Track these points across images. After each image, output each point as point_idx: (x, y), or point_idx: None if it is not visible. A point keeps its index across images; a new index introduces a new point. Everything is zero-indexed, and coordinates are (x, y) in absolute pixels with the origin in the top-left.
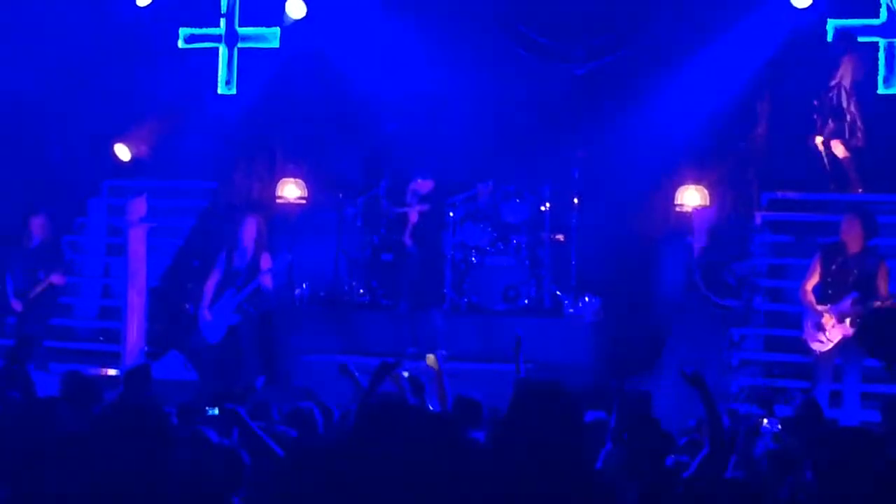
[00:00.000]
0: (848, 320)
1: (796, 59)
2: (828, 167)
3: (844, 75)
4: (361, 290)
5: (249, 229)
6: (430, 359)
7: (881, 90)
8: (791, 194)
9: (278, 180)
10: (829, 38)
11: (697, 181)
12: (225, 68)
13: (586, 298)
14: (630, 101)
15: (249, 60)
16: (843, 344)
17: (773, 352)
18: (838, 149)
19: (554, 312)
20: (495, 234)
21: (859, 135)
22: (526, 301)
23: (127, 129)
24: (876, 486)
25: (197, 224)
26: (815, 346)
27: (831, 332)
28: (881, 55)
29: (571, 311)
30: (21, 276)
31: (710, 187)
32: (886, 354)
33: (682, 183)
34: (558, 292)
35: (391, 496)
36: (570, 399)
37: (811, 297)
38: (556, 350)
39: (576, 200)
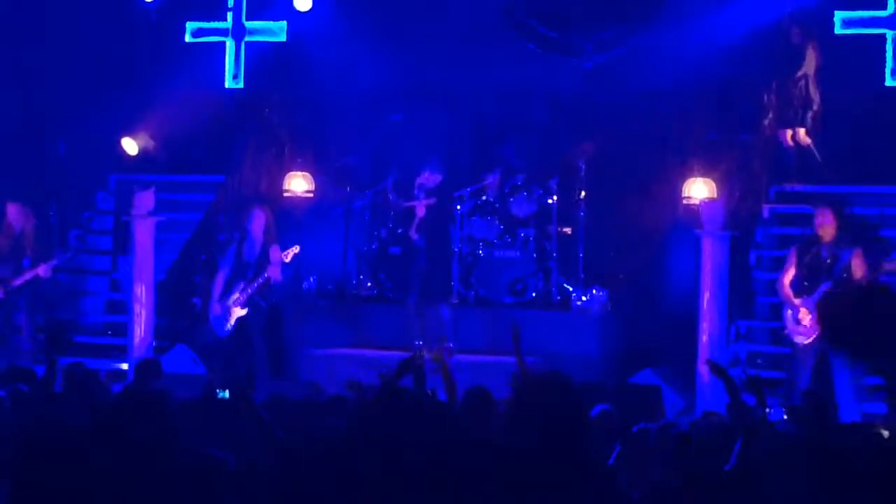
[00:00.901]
0: None
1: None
2: (794, 157)
3: (809, 65)
4: (369, 284)
5: (258, 221)
6: (436, 355)
7: (889, 82)
8: (799, 186)
9: (286, 174)
10: (837, 29)
11: (705, 173)
12: (232, 62)
13: (594, 291)
14: (637, 94)
15: (257, 54)
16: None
17: (777, 345)
18: (803, 138)
19: (562, 305)
20: (503, 228)
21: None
22: (533, 294)
23: (134, 123)
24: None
25: (204, 218)
26: (798, 340)
27: (810, 324)
28: (888, 47)
29: (579, 303)
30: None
31: (717, 180)
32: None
33: (689, 175)
34: (566, 285)
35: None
36: (573, 389)
37: (789, 291)
38: (564, 343)
39: (583, 194)
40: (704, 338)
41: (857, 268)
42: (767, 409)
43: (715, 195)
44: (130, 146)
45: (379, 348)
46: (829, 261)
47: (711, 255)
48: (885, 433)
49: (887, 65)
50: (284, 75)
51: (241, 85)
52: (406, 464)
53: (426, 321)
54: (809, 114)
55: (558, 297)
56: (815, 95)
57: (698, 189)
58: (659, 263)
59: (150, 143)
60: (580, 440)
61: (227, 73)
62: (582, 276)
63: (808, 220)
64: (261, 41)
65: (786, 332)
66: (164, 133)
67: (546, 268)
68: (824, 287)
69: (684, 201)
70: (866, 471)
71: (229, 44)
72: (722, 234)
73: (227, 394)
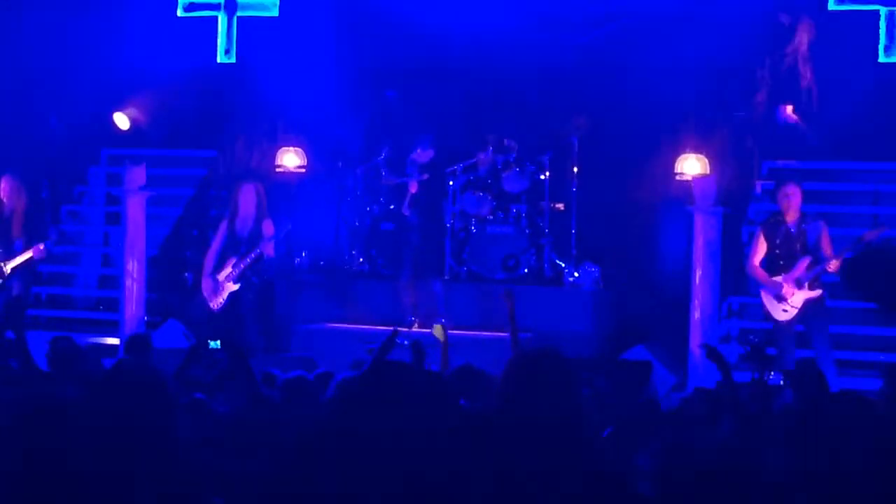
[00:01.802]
0: (807, 284)
1: (797, 27)
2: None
3: (801, 41)
4: (361, 259)
5: (248, 197)
6: (437, 329)
7: (882, 59)
8: (791, 163)
9: (278, 149)
10: (831, 5)
11: (698, 150)
12: (224, 37)
13: (586, 267)
14: (630, 70)
15: (249, 29)
16: (805, 309)
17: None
18: (792, 114)
19: (554, 281)
20: (495, 204)
21: (813, 99)
22: (526, 270)
23: (126, 98)
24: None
25: (196, 193)
26: (781, 317)
27: (794, 300)
28: (882, 24)
29: (571, 279)
30: None
31: (710, 156)
32: (877, 295)
33: (682, 151)
34: (558, 261)
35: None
36: (566, 365)
37: (762, 271)
38: (557, 319)
39: (576, 169)
40: (696, 314)
41: (827, 242)
42: (770, 374)
43: (707, 171)
44: (122, 121)
45: (371, 324)
46: (799, 236)
47: (704, 232)
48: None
49: (880, 41)
50: (276, 50)
51: (233, 60)
52: (396, 435)
53: (418, 297)
54: (800, 89)
55: (550, 273)
56: (806, 72)
57: (691, 165)
58: (651, 240)
59: (142, 118)
60: (572, 414)
61: (219, 48)
62: (574, 252)
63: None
64: (253, 16)
65: (765, 310)
66: (156, 108)
67: (538, 244)
68: (803, 262)
69: (677, 177)
70: (862, 437)
71: (221, 18)
72: (714, 210)
73: (217, 343)
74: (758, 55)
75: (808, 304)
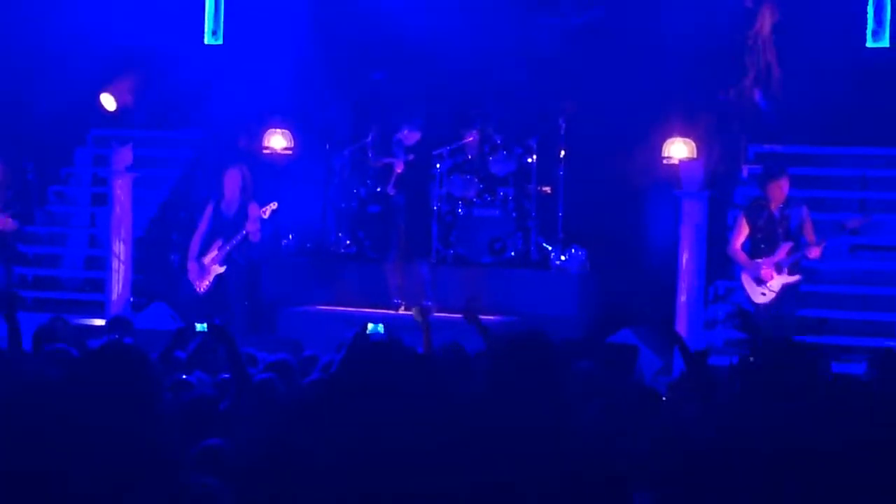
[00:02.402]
0: (786, 269)
1: (784, 11)
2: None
3: (764, 25)
4: (348, 242)
5: (234, 180)
6: (416, 312)
7: (869, 43)
8: (778, 147)
9: (265, 131)
10: None
11: (685, 134)
12: (212, 18)
13: (573, 250)
14: (617, 53)
15: (236, 10)
16: (783, 293)
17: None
18: (755, 98)
19: (541, 265)
20: (482, 186)
21: (775, 84)
22: (512, 253)
23: (113, 78)
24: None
25: (183, 174)
26: (758, 299)
27: (773, 283)
28: (869, 9)
29: (558, 263)
30: None
31: (697, 140)
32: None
33: (669, 135)
34: (545, 244)
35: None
36: (550, 347)
37: (743, 254)
38: (543, 302)
39: (563, 153)
40: (683, 298)
41: (809, 228)
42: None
43: (694, 155)
44: (109, 102)
45: (358, 307)
46: (782, 221)
47: (690, 216)
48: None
49: (868, 26)
50: (264, 32)
51: (220, 41)
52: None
53: (405, 279)
54: (761, 73)
55: (537, 257)
56: (769, 57)
57: (677, 149)
58: (638, 223)
59: (129, 99)
60: (557, 395)
61: (206, 29)
62: (561, 235)
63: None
64: None
65: (746, 293)
66: (143, 89)
67: (525, 227)
68: (784, 247)
69: (664, 161)
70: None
71: None
72: (700, 194)
73: (204, 326)
74: (745, 39)
75: (785, 288)
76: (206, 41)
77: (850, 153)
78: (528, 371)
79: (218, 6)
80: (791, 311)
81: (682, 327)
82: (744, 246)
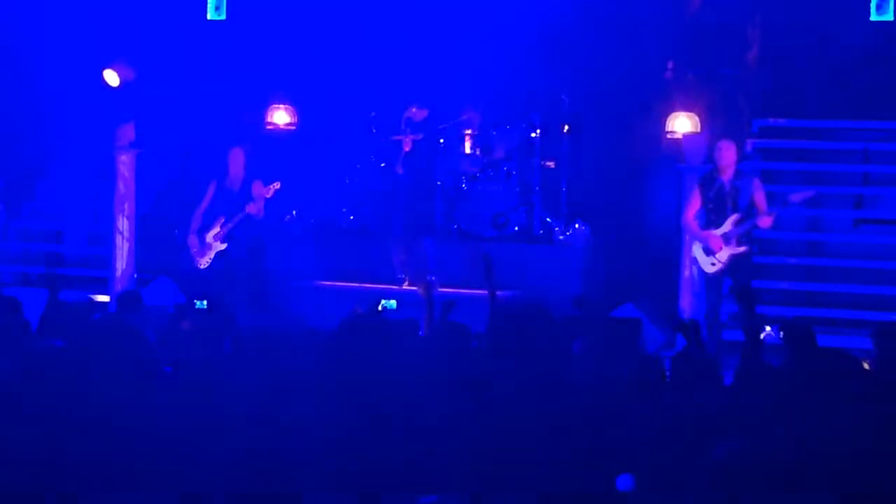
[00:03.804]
0: (734, 240)
1: None
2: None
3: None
4: (351, 217)
5: (237, 160)
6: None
7: (874, 17)
8: (782, 121)
9: (269, 106)
10: None
11: (688, 108)
12: None
13: (577, 225)
14: (620, 27)
15: None
16: (732, 263)
17: (764, 279)
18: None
19: (544, 239)
20: (485, 161)
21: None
22: (516, 228)
23: (116, 55)
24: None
25: (187, 151)
26: (708, 269)
27: (721, 254)
28: None
29: (562, 238)
30: None
31: (700, 114)
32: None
33: (673, 109)
34: (548, 219)
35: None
36: (549, 318)
37: (695, 225)
38: (546, 277)
39: (566, 128)
40: (686, 272)
41: (761, 199)
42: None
43: (698, 129)
44: (112, 78)
45: (362, 282)
46: (732, 193)
47: (693, 190)
48: (866, 366)
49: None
50: (266, 6)
51: (223, 17)
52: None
53: (409, 254)
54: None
55: (541, 231)
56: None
57: (681, 123)
58: (641, 198)
59: (131, 75)
60: (558, 368)
61: (209, 5)
62: (564, 210)
63: (790, 154)
64: None
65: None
66: (146, 65)
67: (529, 202)
68: (731, 218)
69: (667, 135)
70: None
71: None
72: (704, 168)
73: (204, 304)
74: (748, 12)
75: (734, 259)
76: (209, 17)
77: (853, 126)
78: (528, 341)
79: None
80: (746, 282)
81: (685, 301)
82: (697, 216)
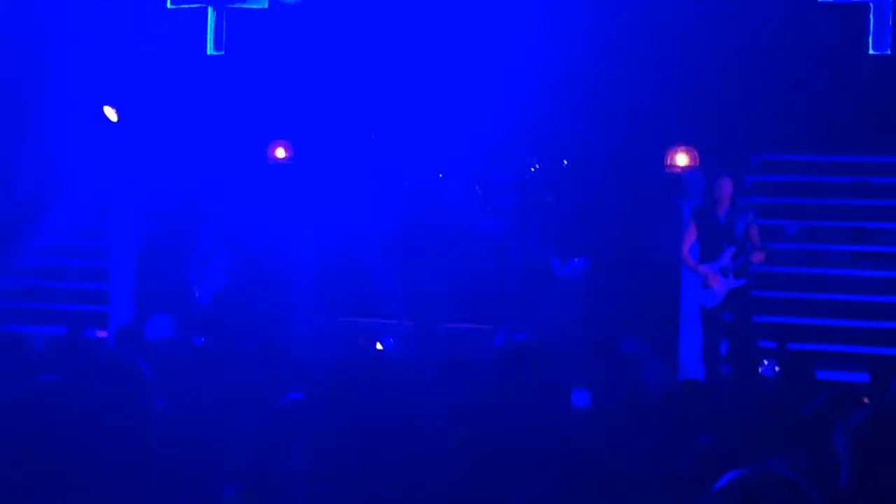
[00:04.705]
0: (731, 274)
1: (784, 17)
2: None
3: None
4: (351, 252)
5: (244, 191)
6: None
7: (871, 51)
8: (781, 155)
9: (270, 141)
10: None
11: (687, 142)
12: (213, 30)
13: (575, 259)
14: (620, 63)
15: (239, 21)
16: (730, 297)
17: (763, 314)
18: None
19: (544, 273)
20: (485, 196)
21: None
22: (515, 262)
23: (115, 90)
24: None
25: (187, 186)
26: (707, 303)
27: (718, 287)
28: (871, 16)
29: (561, 272)
30: None
31: (699, 148)
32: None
33: (671, 143)
34: (548, 253)
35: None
36: (550, 360)
37: (690, 259)
38: (545, 312)
39: (565, 161)
40: (685, 306)
41: (755, 233)
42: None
43: (696, 163)
44: (111, 114)
45: (363, 316)
46: (727, 226)
47: None
48: (866, 400)
49: (870, 34)
50: (266, 42)
51: (222, 52)
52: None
53: (408, 289)
54: None
55: (540, 266)
56: None
57: (680, 157)
58: (641, 232)
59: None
60: (554, 407)
61: (208, 41)
62: (564, 244)
63: (789, 189)
64: (242, 8)
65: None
66: (145, 100)
67: (528, 236)
68: (728, 251)
69: (666, 169)
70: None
71: (210, 11)
72: (699, 201)
73: (202, 339)
74: (747, 45)
75: (731, 293)
76: (208, 52)
77: (852, 161)
78: (526, 383)
79: (220, 17)
80: (746, 316)
81: (686, 335)
82: (693, 250)
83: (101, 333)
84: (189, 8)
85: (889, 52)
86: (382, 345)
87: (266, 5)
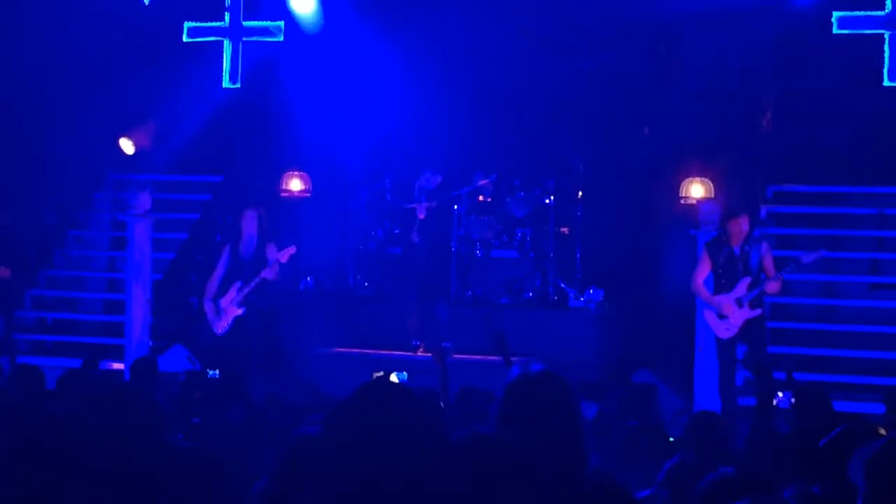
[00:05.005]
0: (747, 304)
1: (802, 50)
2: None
3: None
4: (366, 283)
5: (250, 222)
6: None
7: (887, 82)
8: (796, 187)
9: (283, 174)
10: (835, 29)
11: (702, 173)
12: (229, 62)
13: (591, 291)
14: (634, 94)
15: (254, 54)
16: (745, 328)
17: (779, 345)
18: None
19: (559, 305)
20: (500, 228)
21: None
22: (530, 294)
23: (132, 123)
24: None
25: (201, 217)
26: (722, 335)
27: (734, 318)
28: (886, 47)
29: (576, 303)
30: None
31: (714, 180)
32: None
33: (687, 175)
34: (563, 285)
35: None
36: (565, 387)
37: (704, 290)
38: (561, 342)
39: (580, 193)
40: (701, 337)
41: (769, 263)
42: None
43: (711, 195)
44: (127, 146)
45: (377, 348)
46: (742, 257)
47: None
48: (883, 431)
49: (885, 65)
50: (282, 75)
51: (238, 85)
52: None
53: (424, 321)
54: None
55: (555, 297)
56: None
57: (695, 189)
58: (656, 263)
59: (147, 144)
60: (572, 437)
61: (224, 73)
62: (579, 275)
63: (805, 220)
64: (258, 41)
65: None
66: (162, 133)
67: (543, 268)
68: (744, 282)
69: (681, 201)
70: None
71: (226, 44)
72: (713, 233)
73: (216, 373)
74: (763, 78)
75: (747, 323)
76: (224, 85)
77: (868, 192)
78: (542, 411)
79: (236, 50)
80: (761, 346)
81: (701, 366)
82: (706, 282)
83: (118, 366)
84: (205, 41)
85: None
86: (398, 377)
87: (282, 38)
